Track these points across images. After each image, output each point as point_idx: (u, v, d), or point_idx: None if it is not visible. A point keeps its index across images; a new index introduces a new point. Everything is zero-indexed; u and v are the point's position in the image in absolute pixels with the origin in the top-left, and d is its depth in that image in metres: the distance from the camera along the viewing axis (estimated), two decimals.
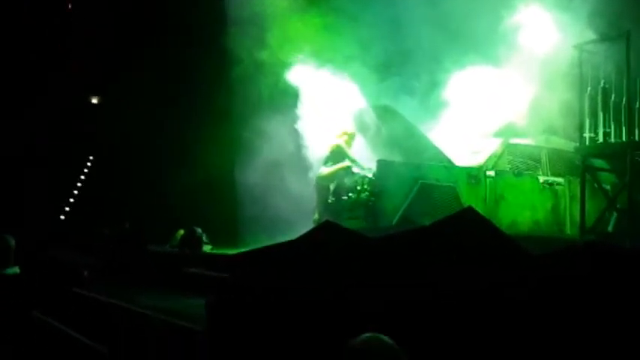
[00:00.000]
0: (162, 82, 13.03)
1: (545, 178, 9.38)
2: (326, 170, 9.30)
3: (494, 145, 9.35)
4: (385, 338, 2.38)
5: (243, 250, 7.14)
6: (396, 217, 8.32)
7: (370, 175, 8.66)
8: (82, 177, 15.75)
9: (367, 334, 2.40)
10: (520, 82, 9.52)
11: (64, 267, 9.75)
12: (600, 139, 8.26)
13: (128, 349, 6.18)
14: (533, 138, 9.68)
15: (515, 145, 9.44)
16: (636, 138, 7.96)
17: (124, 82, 13.19)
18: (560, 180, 9.42)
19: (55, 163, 14.36)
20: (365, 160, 9.18)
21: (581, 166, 8.59)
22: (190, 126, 12.99)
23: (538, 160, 9.48)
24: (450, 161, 9.04)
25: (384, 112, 9.45)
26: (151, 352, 5.88)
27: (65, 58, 14.76)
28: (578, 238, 8.37)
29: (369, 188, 8.56)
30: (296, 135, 10.33)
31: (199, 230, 10.67)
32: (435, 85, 10.04)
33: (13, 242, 5.43)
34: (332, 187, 9.19)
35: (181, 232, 11.03)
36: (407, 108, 9.64)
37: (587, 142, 8.38)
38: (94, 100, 15.96)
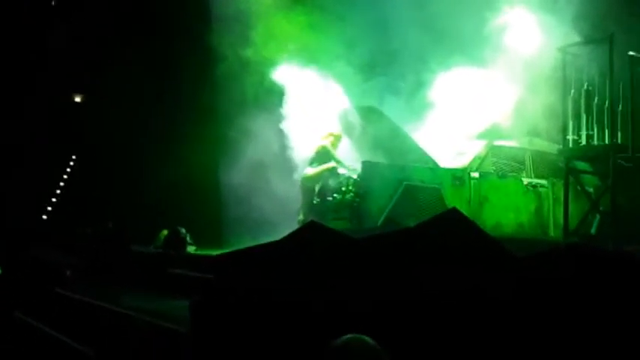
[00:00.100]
0: (145, 79, 12.92)
1: (529, 180, 9.41)
2: (311, 171, 9.28)
3: (478, 147, 9.38)
4: (367, 339, 2.37)
5: (227, 250, 7.10)
6: (381, 219, 8.34)
7: (355, 177, 8.66)
8: (65, 176, 15.62)
9: (348, 335, 2.39)
10: (505, 84, 9.56)
11: (47, 267, 9.67)
12: (583, 141, 8.27)
13: (111, 350, 6.13)
14: (517, 140, 9.72)
15: (500, 146, 9.47)
16: (619, 141, 7.99)
17: (107, 80, 13.09)
18: (543, 182, 9.46)
19: (38, 162, 14.22)
20: (350, 161, 9.18)
21: (564, 169, 8.61)
22: (174, 124, 12.89)
23: (522, 162, 9.51)
24: (434, 163, 9.06)
25: (369, 113, 9.46)
26: (135, 353, 5.84)
27: (48, 56, 14.61)
28: (562, 240, 8.40)
29: (354, 189, 8.56)
30: (281, 135, 10.30)
31: (183, 230, 10.60)
32: (420, 86, 10.06)
33: None
34: (317, 188, 9.18)
35: (165, 232, 10.95)
36: (392, 108, 9.66)
37: (570, 145, 8.39)
38: (77, 99, 15.82)
